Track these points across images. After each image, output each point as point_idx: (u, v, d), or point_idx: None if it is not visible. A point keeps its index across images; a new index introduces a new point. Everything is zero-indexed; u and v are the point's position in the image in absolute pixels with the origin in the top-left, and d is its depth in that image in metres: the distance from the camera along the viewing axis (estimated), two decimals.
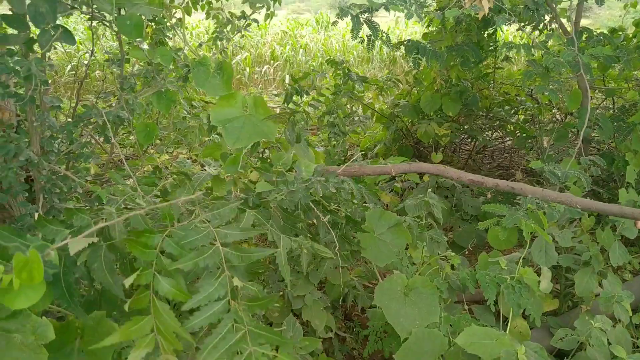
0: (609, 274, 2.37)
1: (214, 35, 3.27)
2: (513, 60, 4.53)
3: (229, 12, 3.81)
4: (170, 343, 1.08)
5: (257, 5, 2.82)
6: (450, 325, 1.99)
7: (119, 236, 1.26)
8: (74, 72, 7.51)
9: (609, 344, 2.02)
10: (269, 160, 1.93)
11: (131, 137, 4.71)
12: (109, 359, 1.26)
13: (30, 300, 0.98)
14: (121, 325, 1.07)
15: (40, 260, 0.92)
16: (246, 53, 10.63)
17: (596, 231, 2.53)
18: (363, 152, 4.74)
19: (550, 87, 2.71)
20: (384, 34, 3.01)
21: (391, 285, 1.96)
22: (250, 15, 2.46)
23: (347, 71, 3.43)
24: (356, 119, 3.69)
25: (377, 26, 2.91)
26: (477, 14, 2.63)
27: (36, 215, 1.46)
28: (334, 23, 2.74)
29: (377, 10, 2.69)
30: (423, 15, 2.88)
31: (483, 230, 3.21)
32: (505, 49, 4.19)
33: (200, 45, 2.31)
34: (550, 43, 2.97)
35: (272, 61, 11.03)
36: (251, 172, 1.91)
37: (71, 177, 1.60)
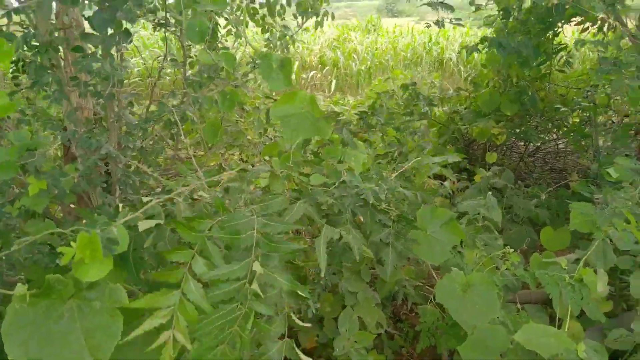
0: None
1: (267, 45, 3.43)
2: (570, 65, 4.48)
3: (283, 25, 3.98)
4: (188, 318, 1.18)
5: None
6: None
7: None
8: (140, 79, 7.97)
9: None
10: (320, 154, 2.02)
11: (185, 140, 4.93)
12: None
13: (99, 274, 1.12)
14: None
15: (99, 239, 1.05)
16: (296, 62, 10.80)
17: None
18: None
19: (627, 82, 2.64)
20: (454, 20, 3.06)
21: (450, 283, 1.98)
22: (304, 23, 2.58)
23: (416, 93, 3.57)
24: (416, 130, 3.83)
25: (452, 8, 2.96)
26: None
27: (115, 205, 1.59)
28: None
29: None
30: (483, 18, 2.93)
31: (535, 232, 3.18)
32: (563, 53, 4.15)
33: (267, 45, 2.44)
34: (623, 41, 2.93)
35: (319, 66, 11.18)
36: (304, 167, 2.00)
37: (144, 171, 1.73)
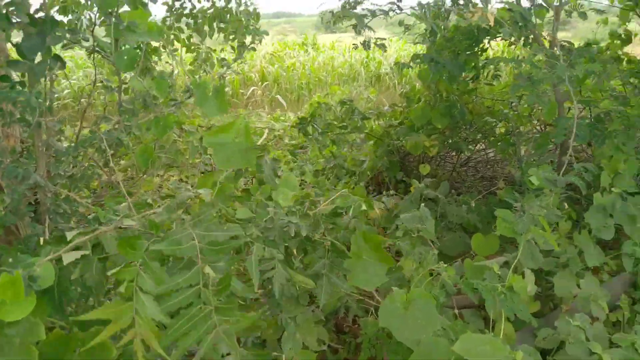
0: (586, 275, 2.50)
1: (193, 66, 3.47)
2: (498, 78, 4.75)
3: (208, 47, 4.06)
4: (147, 325, 1.18)
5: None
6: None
7: (113, 250, 1.37)
8: (72, 100, 7.74)
9: (587, 340, 2.13)
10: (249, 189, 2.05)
11: (122, 162, 4.86)
12: None
13: (21, 314, 1.12)
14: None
15: (22, 280, 1.05)
16: (234, 75, 10.79)
17: (574, 234, 2.66)
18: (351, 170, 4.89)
19: (540, 97, 2.84)
20: (378, 39, 3.21)
21: (392, 303, 2.02)
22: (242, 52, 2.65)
23: (352, 109, 3.84)
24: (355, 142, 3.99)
25: (374, 31, 3.11)
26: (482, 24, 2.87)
27: (45, 236, 1.56)
28: (337, 20, 2.97)
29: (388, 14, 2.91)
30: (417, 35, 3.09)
31: (468, 237, 3.34)
32: (492, 67, 4.40)
33: (192, 71, 2.46)
34: (536, 58, 3.14)
35: (260, 82, 11.21)
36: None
37: (74, 199, 1.70)
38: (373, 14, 3.21)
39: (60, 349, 1.13)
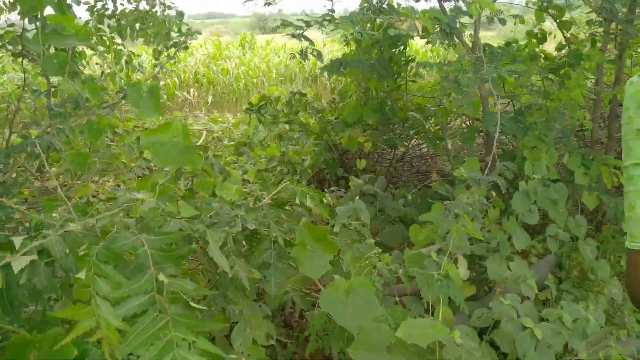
0: (515, 258, 2.67)
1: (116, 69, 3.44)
2: (424, 76, 4.93)
3: (130, 51, 4.03)
4: (110, 329, 1.17)
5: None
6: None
7: (59, 254, 1.35)
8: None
9: (519, 317, 2.29)
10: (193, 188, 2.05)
11: (52, 169, 4.67)
12: None
13: None
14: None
15: None
16: (169, 79, 10.57)
17: (502, 221, 2.83)
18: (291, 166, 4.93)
19: (466, 95, 3.00)
20: (315, 50, 3.28)
21: (333, 291, 2.08)
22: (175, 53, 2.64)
23: (305, 106, 4.03)
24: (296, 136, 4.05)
25: (312, 41, 3.18)
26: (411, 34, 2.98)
27: None
28: (274, 29, 3.04)
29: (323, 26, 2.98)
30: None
31: (406, 229, 3.48)
32: (417, 66, 4.57)
33: (118, 71, 2.44)
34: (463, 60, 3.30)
35: (196, 84, 11.05)
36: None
37: (9, 205, 1.65)
38: (307, 24, 3.29)
39: (20, 352, 1.10)
